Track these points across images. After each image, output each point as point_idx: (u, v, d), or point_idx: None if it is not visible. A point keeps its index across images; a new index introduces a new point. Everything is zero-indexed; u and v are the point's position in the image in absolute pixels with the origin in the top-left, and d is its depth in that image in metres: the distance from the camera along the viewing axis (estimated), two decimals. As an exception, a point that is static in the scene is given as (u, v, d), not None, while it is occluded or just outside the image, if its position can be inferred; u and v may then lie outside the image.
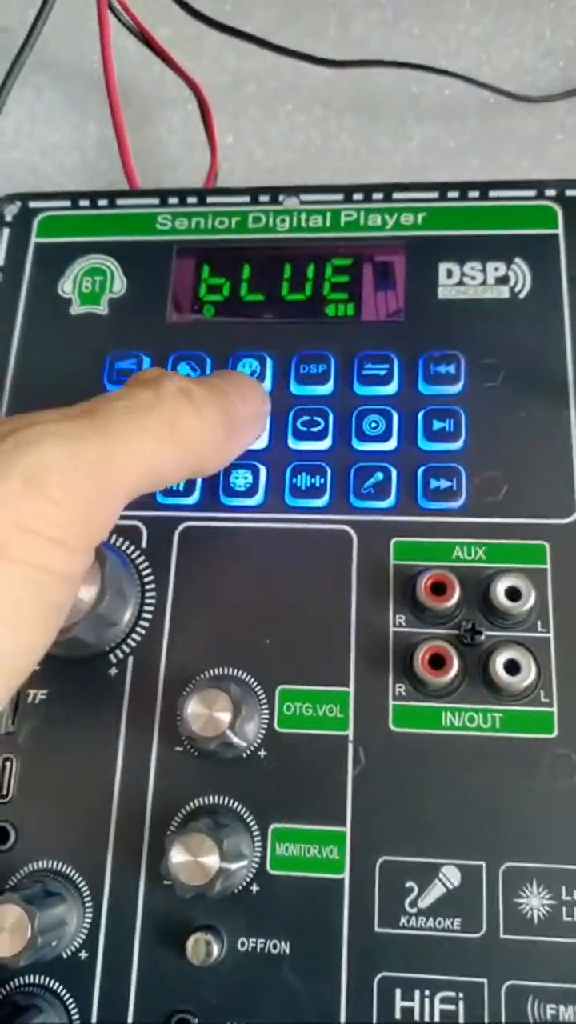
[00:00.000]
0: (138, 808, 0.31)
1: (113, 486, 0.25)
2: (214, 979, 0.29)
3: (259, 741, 0.31)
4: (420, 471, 0.34)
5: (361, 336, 0.36)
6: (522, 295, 0.36)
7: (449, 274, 0.37)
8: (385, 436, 0.34)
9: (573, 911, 0.29)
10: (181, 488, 0.35)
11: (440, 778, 0.30)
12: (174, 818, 0.31)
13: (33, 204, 0.40)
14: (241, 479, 0.34)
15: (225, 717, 0.29)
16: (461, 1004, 0.28)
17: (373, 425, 0.35)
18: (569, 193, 0.38)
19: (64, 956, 0.30)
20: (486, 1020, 0.28)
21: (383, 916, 0.29)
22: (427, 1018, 0.28)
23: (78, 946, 0.30)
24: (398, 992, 0.29)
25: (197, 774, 0.31)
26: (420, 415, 0.35)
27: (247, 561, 0.34)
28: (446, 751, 0.31)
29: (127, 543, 0.34)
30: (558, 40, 0.50)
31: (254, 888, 0.30)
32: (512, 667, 0.31)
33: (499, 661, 0.31)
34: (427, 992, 0.29)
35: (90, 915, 0.30)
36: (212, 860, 0.27)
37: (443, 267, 0.37)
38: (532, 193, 0.38)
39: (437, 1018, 0.28)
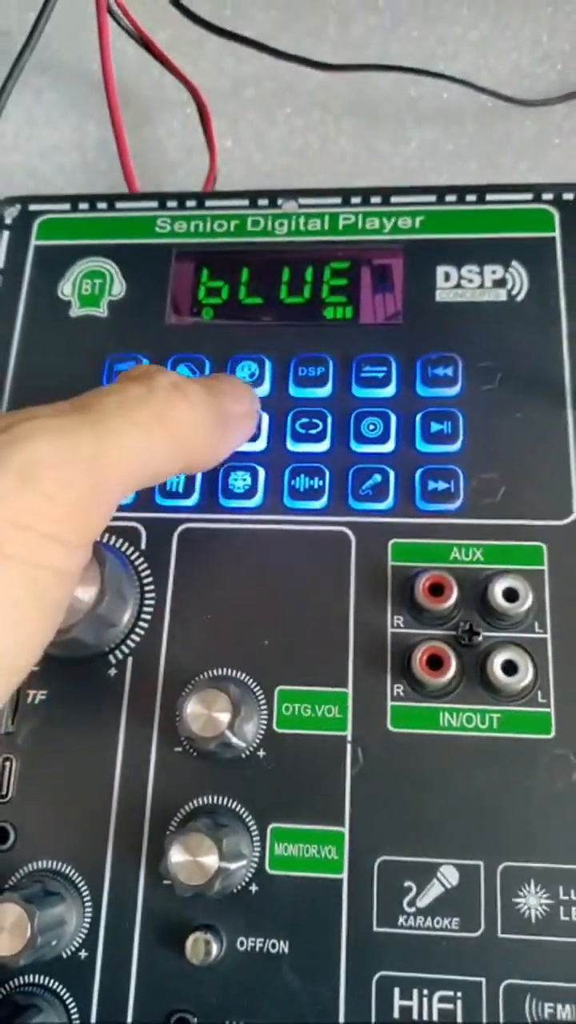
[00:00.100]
0: (137, 808, 0.31)
1: (107, 481, 0.25)
2: (213, 978, 0.29)
3: (258, 741, 0.31)
4: (418, 473, 0.34)
5: (359, 339, 0.36)
6: (519, 298, 0.37)
7: (447, 277, 0.37)
8: (383, 438, 0.34)
9: (571, 910, 0.29)
10: (180, 490, 0.35)
11: (438, 778, 0.30)
12: (173, 818, 0.31)
13: (33, 207, 0.40)
14: (240, 481, 0.34)
15: (224, 717, 0.29)
16: (459, 1003, 0.28)
17: (371, 427, 0.35)
18: (566, 197, 0.38)
19: (64, 956, 0.30)
20: (484, 1019, 0.28)
21: (381, 916, 0.29)
22: (425, 1017, 0.28)
23: (78, 945, 0.30)
24: (396, 991, 0.29)
25: (196, 774, 0.31)
26: (418, 417, 0.35)
27: (246, 562, 0.34)
28: (444, 751, 0.31)
29: (126, 544, 0.34)
30: (555, 44, 0.50)
31: (253, 888, 0.30)
32: (510, 668, 0.31)
33: (497, 662, 0.31)
34: (425, 991, 0.29)
35: (90, 915, 0.30)
36: (211, 860, 0.28)
37: (441, 270, 0.37)
38: (529, 197, 0.38)
39: (435, 1017, 0.28)
